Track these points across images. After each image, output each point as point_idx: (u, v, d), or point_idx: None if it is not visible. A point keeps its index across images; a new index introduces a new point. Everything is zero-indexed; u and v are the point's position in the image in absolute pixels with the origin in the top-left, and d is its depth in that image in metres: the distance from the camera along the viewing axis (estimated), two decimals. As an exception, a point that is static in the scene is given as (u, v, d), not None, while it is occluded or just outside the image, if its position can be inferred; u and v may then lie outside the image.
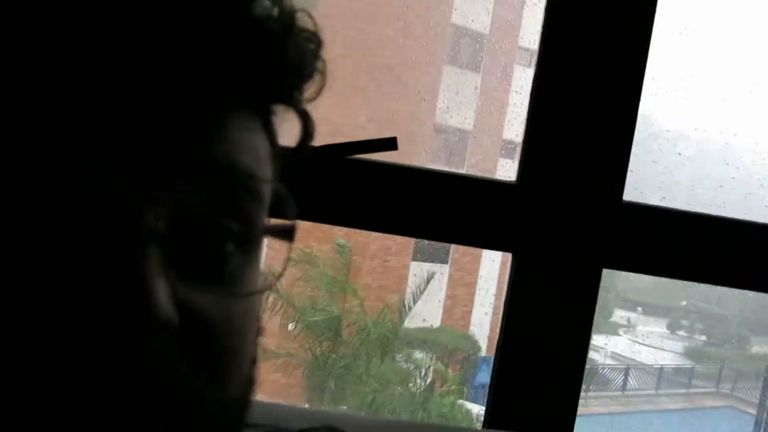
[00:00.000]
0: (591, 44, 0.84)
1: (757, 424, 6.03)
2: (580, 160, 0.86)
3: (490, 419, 0.87)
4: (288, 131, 0.34)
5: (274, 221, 0.32)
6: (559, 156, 0.86)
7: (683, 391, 10.22)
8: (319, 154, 0.85)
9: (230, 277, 0.28)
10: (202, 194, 0.27)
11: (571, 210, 0.86)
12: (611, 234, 0.87)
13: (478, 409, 7.58)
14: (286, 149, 0.34)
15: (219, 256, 0.28)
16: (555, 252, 0.87)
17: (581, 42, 0.84)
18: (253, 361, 0.32)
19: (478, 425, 7.47)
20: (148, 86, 0.26)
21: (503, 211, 0.87)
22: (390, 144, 0.83)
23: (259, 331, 0.32)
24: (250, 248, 0.29)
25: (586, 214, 0.86)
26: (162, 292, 0.25)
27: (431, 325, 7.97)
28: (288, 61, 0.30)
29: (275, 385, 7.20)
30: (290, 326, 6.83)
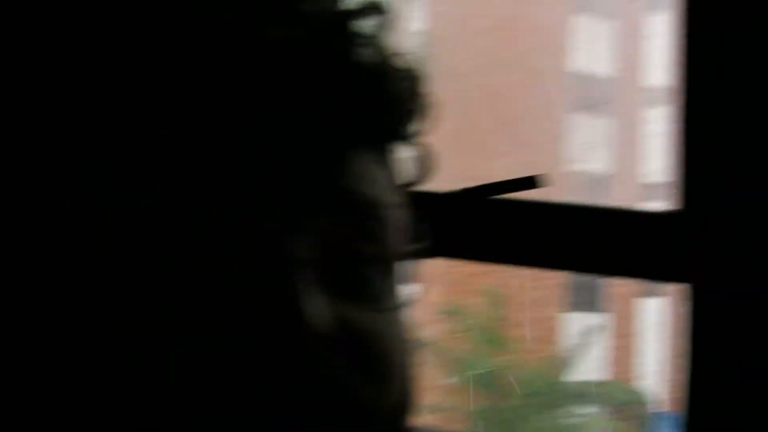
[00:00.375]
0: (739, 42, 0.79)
1: None
2: (750, 170, 0.80)
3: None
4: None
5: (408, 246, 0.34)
6: (727, 168, 0.80)
7: None
8: (464, 196, 0.87)
9: (372, 294, 0.31)
10: (339, 221, 0.30)
11: (748, 227, 0.80)
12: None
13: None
14: (409, 181, 0.37)
15: (360, 277, 0.31)
16: (737, 276, 0.80)
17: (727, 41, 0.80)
18: (409, 370, 0.33)
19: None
20: (299, 127, 0.29)
21: (675, 240, 0.82)
22: (530, 183, 0.82)
23: (410, 344, 0.34)
24: (386, 268, 0.32)
25: (763, 229, 0.79)
26: (318, 306, 0.27)
27: (593, 379, 7.57)
28: (384, 99, 0.33)
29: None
30: (451, 379, 6.79)
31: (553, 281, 8.20)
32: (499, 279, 8.03)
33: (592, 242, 0.85)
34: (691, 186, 0.83)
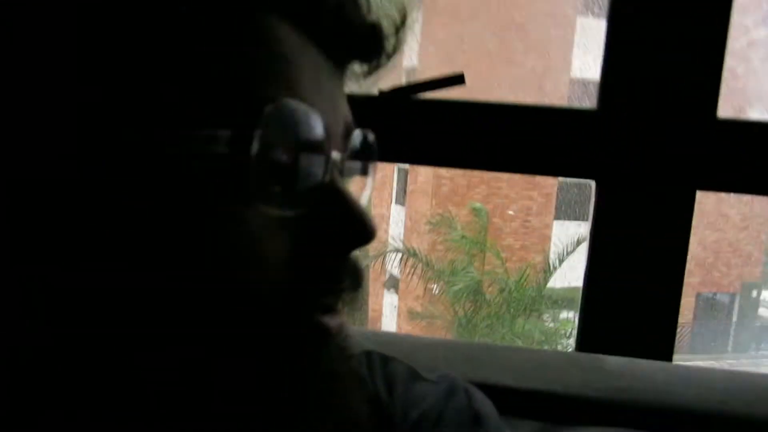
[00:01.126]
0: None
1: None
2: (667, 75, 0.81)
3: (581, 343, 0.86)
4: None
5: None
6: (643, 77, 0.82)
7: None
8: (390, 95, 0.88)
9: None
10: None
11: (658, 130, 0.82)
12: (705, 153, 0.81)
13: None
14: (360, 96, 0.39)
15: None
16: (642, 176, 0.83)
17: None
18: None
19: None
20: None
21: (585, 139, 0.84)
22: (458, 80, 0.83)
23: None
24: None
25: (676, 133, 0.81)
26: None
27: (577, 285, 7.76)
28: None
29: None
30: (434, 289, 6.95)
31: (541, 191, 8.26)
32: (489, 189, 8.09)
33: (515, 140, 0.87)
34: (607, 88, 0.84)
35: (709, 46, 0.80)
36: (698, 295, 9.24)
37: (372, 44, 0.36)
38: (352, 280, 0.33)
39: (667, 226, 0.83)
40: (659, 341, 0.84)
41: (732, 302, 9.37)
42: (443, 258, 6.91)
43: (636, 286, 0.84)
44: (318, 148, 0.30)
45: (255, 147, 0.28)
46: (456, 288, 6.40)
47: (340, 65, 0.35)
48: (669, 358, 0.84)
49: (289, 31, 0.31)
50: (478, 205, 6.94)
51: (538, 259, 7.29)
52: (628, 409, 0.55)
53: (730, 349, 9.20)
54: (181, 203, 0.28)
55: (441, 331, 6.72)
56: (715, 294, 9.35)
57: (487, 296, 6.37)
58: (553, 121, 0.86)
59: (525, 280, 6.23)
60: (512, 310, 6.21)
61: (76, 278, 0.27)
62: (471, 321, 6.27)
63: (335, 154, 0.32)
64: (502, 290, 6.25)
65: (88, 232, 0.27)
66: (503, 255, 7.04)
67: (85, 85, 0.27)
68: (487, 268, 6.78)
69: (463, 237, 6.66)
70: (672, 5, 0.80)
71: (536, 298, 6.21)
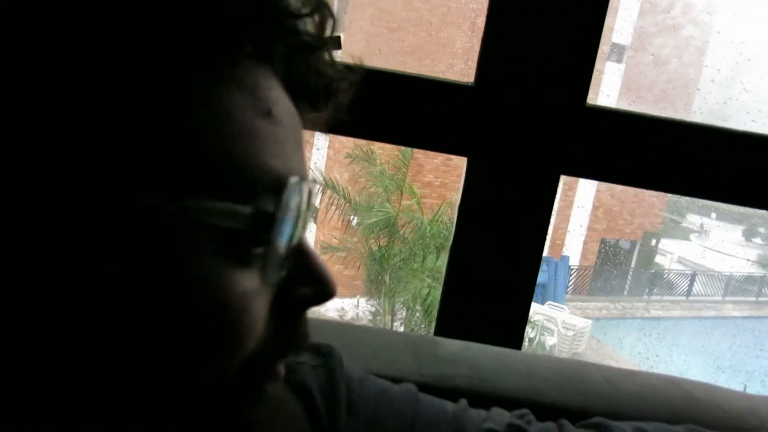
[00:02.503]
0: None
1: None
2: (542, 61, 0.82)
3: (440, 324, 0.89)
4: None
5: None
6: (520, 57, 0.82)
7: (752, 299, 10.02)
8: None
9: None
10: None
11: (530, 113, 0.83)
12: (572, 139, 0.83)
13: (533, 307, 7.71)
14: None
15: None
16: (511, 157, 0.84)
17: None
18: None
19: (531, 322, 7.51)
20: None
21: (460, 114, 0.85)
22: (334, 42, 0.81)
23: None
24: None
25: (547, 117, 0.83)
26: None
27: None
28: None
29: (338, 277, 7.52)
30: (353, 221, 7.00)
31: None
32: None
33: (390, 109, 0.86)
34: (485, 65, 0.84)
35: (584, 36, 0.81)
36: (602, 241, 9.72)
37: (331, 97, 0.37)
38: (302, 340, 0.33)
39: (530, 208, 0.85)
40: (510, 325, 0.87)
41: (632, 249, 9.91)
42: (363, 193, 6.93)
43: (496, 268, 0.87)
44: (301, 213, 0.31)
45: (281, 230, 0.30)
46: (370, 221, 6.46)
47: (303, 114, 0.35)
48: (519, 344, 0.88)
49: (274, 84, 0.32)
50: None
51: (458, 197, 7.41)
52: (452, 392, 0.57)
53: (626, 293, 9.79)
54: (181, 269, 0.28)
55: (355, 263, 6.81)
56: (618, 240, 9.85)
57: (401, 232, 6.47)
58: (429, 93, 0.85)
59: (438, 218, 6.35)
60: (425, 246, 6.35)
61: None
62: (384, 255, 6.37)
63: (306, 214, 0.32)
64: (416, 228, 6.36)
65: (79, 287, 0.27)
66: (422, 191, 7.12)
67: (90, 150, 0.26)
68: (405, 203, 6.86)
69: (381, 172, 6.68)
70: (553, -12, 0.80)
71: (449, 236, 6.35)
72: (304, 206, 0.31)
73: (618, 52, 8.95)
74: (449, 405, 0.52)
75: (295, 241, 0.31)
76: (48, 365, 0.27)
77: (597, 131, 0.83)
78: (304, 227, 0.32)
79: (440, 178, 8.57)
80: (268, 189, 0.29)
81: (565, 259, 8.98)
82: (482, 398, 0.59)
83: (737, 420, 0.60)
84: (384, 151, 7.33)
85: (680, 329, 8.50)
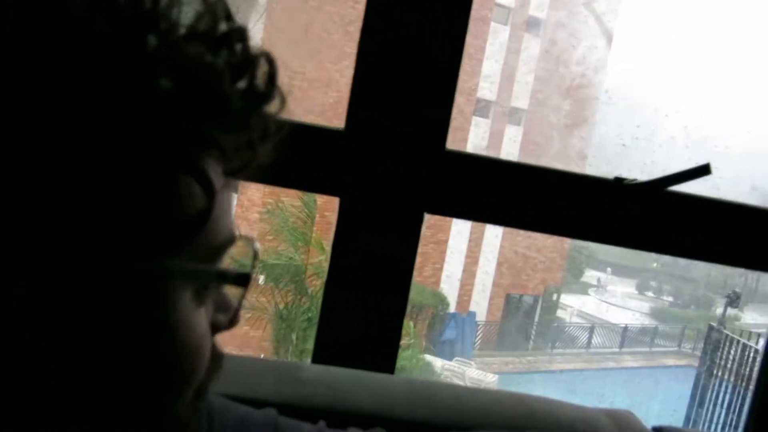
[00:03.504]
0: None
1: (697, 377, 6.23)
2: (405, 109, 0.89)
3: (316, 355, 0.92)
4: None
5: None
6: (386, 103, 0.89)
7: (646, 349, 10.54)
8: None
9: None
10: None
11: (395, 156, 0.89)
12: (434, 180, 0.90)
13: (441, 363, 7.79)
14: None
15: None
16: (379, 197, 0.90)
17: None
18: None
19: (440, 378, 7.55)
20: None
21: (332, 157, 0.90)
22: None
23: None
24: None
25: (410, 160, 0.90)
26: None
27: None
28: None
29: (245, 339, 7.33)
30: (260, 279, 6.90)
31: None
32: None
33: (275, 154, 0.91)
34: (355, 110, 0.90)
35: (442, 85, 0.89)
36: (507, 296, 10.01)
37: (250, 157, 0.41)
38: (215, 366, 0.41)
39: (396, 244, 0.91)
40: (383, 352, 0.92)
41: (535, 304, 10.26)
42: (272, 250, 6.88)
43: (368, 300, 0.91)
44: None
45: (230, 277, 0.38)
46: (272, 262, 6.39)
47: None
48: (391, 369, 0.92)
49: (215, 164, 0.38)
50: (304, 197, 6.97)
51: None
52: (309, 411, 0.60)
53: (530, 347, 10.07)
54: (161, 313, 0.35)
55: (261, 323, 6.69)
56: (521, 296, 10.18)
57: (310, 289, 6.44)
58: (305, 137, 0.91)
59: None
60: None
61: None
62: (291, 313, 6.30)
63: None
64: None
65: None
66: (329, 249, 7.14)
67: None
68: (314, 260, 6.85)
69: (288, 228, 6.68)
70: (414, 46, 0.88)
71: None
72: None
73: (517, 114, 9.48)
74: (307, 427, 0.54)
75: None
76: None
77: (455, 173, 0.91)
78: None
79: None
80: (226, 247, 0.38)
81: (472, 314, 9.17)
82: (338, 417, 0.62)
83: (568, 427, 0.66)
84: (292, 205, 7.35)
85: (580, 381, 8.79)
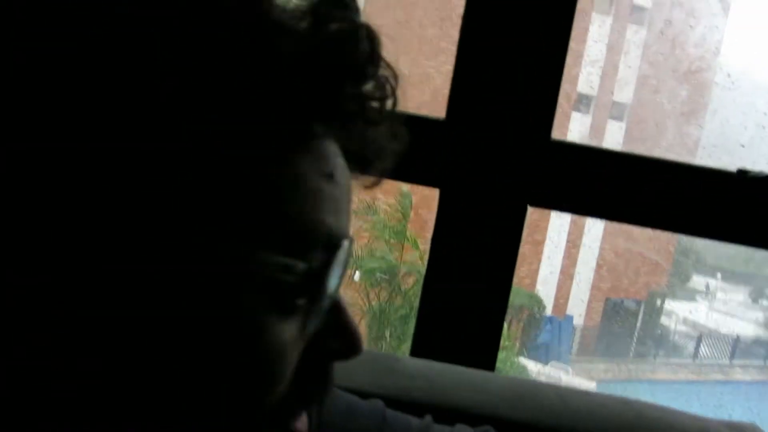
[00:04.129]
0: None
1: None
2: (509, 98, 0.86)
3: (414, 350, 0.90)
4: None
5: None
6: (488, 93, 0.86)
7: (760, 362, 9.84)
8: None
9: None
10: None
11: (498, 147, 0.87)
12: (538, 171, 0.87)
13: (536, 367, 7.61)
14: None
15: None
16: (481, 189, 0.87)
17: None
18: None
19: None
20: None
21: (433, 147, 0.88)
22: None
23: None
24: None
25: (514, 151, 0.87)
26: None
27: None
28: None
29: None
30: (354, 276, 7.00)
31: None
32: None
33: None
34: (456, 100, 0.88)
35: (547, 73, 0.85)
36: (607, 300, 9.65)
37: (379, 162, 0.40)
38: (327, 386, 0.36)
39: (498, 238, 0.88)
40: (483, 348, 0.89)
41: (638, 309, 9.83)
42: (365, 246, 6.95)
43: (468, 295, 0.89)
44: (344, 270, 0.34)
45: (330, 280, 0.33)
46: (369, 266, 6.45)
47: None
48: (492, 367, 0.89)
49: (336, 151, 0.35)
50: (405, 189, 6.99)
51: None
52: (409, 405, 0.59)
53: (631, 354, 9.66)
54: (232, 315, 0.31)
55: (356, 320, 6.78)
56: (623, 300, 9.78)
57: (404, 287, 6.46)
58: (405, 127, 0.89)
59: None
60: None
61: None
62: (384, 311, 6.35)
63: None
64: (417, 281, 6.35)
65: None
66: (426, 247, 7.13)
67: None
68: (408, 258, 6.87)
69: (383, 224, 6.73)
70: (518, 34, 0.85)
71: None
72: (347, 263, 0.34)
73: (620, 108, 9.11)
74: (414, 421, 0.53)
75: (335, 295, 0.34)
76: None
77: (561, 164, 0.87)
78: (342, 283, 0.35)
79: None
80: (322, 246, 0.32)
81: (569, 318, 8.90)
82: (439, 412, 0.61)
83: (686, 438, 0.61)
84: (388, 205, 7.40)
85: (689, 393, 8.34)
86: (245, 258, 0.30)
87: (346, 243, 0.33)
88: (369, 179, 0.39)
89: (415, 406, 0.58)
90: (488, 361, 0.90)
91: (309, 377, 0.34)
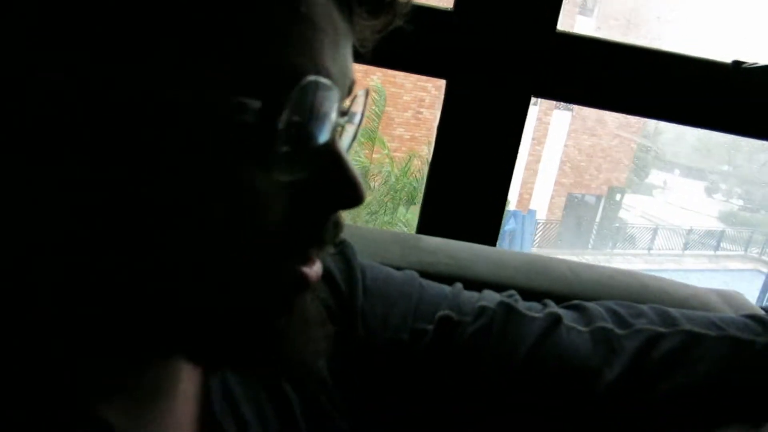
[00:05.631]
0: None
1: (766, 281, 6.13)
2: (517, -13, 0.87)
3: (421, 226, 0.95)
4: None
5: None
6: (497, -18, 0.87)
7: (710, 252, 10.38)
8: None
9: None
10: None
11: (505, 38, 0.88)
12: (543, 62, 0.89)
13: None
14: None
15: None
16: (487, 79, 0.90)
17: None
18: None
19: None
20: None
21: (439, 37, 0.90)
22: None
23: None
24: None
25: (520, 42, 0.88)
26: None
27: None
28: None
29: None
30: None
31: (435, 83, 8.35)
32: (384, 76, 8.08)
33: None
34: (463, -12, 0.89)
35: (557, -39, 0.86)
36: (569, 196, 9.91)
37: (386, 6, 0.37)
38: (335, 232, 0.35)
39: (502, 128, 0.92)
40: (486, 228, 0.95)
41: (597, 204, 10.14)
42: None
43: (472, 178, 0.94)
44: (328, 116, 0.32)
45: (283, 119, 0.29)
46: None
47: (351, 19, 0.35)
48: (493, 243, 0.96)
49: None
50: (378, 84, 6.89)
51: (426, 150, 7.47)
52: (434, 278, 0.64)
53: (590, 246, 10.05)
54: (194, 161, 0.28)
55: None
56: (583, 195, 10.06)
57: (372, 184, 6.51)
58: (412, 17, 0.90)
59: (408, 169, 6.40)
60: (395, 198, 6.41)
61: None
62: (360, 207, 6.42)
63: (339, 119, 0.33)
64: (386, 179, 6.41)
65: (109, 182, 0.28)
66: (392, 145, 7.15)
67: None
68: (375, 156, 6.89)
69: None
70: None
71: (419, 188, 6.42)
72: (330, 109, 0.31)
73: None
74: (447, 288, 0.58)
75: (316, 143, 0.32)
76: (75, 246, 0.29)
77: (566, 55, 0.89)
78: (333, 131, 0.32)
79: (410, 132, 8.60)
80: (285, 85, 0.29)
81: (532, 212, 9.15)
82: (464, 283, 0.66)
83: (682, 303, 0.68)
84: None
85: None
86: (199, 99, 0.28)
87: (314, 82, 0.30)
88: (374, 24, 0.38)
89: (441, 279, 0.64)
90: (491, 238, 0.96)
91: (309, 227, 0.33)
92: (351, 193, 0.33)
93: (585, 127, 9.35)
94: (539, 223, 9.42)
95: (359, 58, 0.37)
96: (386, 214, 6.44)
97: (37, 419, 0.32)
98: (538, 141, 9.35)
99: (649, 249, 9.98)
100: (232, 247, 0.30)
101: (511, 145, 0.93)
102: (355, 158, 6.60)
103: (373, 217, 6.52)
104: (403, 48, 0.91)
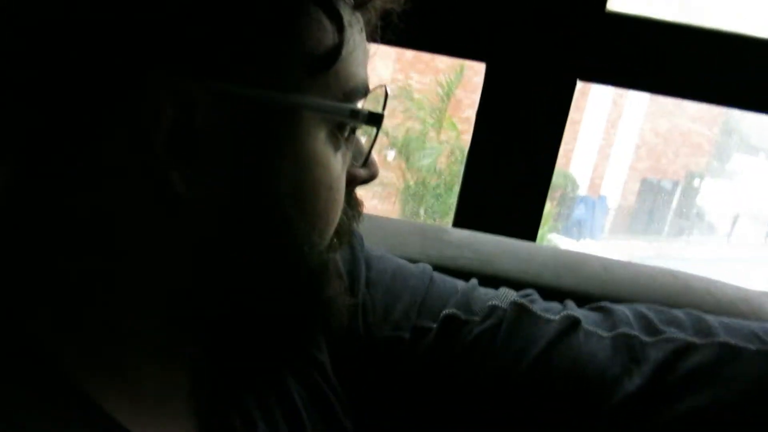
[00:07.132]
0: None
1: None
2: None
3: (457, 220, 0.92)
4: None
5: None
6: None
7: (796, 243, 9.78)
8: None
9: None
10: None
11: (549, 18, 0.84)
12: (590, 44, 0.84)
13: (567, 243, 7.69)
14: None
15: None
16: (529, 62, 0.85)
17: None
18: None
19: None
20: None
21: (479, 19, 0.86)
22: None
23: None
24: None
25: (566, 22, 0.84)
26: None
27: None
28: None
29: (373, 212, 7.59)
30: (389, 156, 7.01)
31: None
32: (451, 59, 7.96)
33: (418, 16, 0.88)
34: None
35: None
36: (643, 180, 9.54)
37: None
38: (355, 214, 0.44)
39: (546, 113, 0.87)
40: (525, 221, 0.90)
41: (674, 189, 9.73)
42: (401, 126, 6.90)
43: (511, 169, 0.89)
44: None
45: (362, 116, 0.39)
46: (424, 163, 6.48)
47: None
48: (533, 238, 0.91)
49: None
50: (449, 69, 6.80)
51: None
52: (456, 273, 0.61)
53: (665, 233, 9.66)
54: (318, 155, 0.37)
55: (390, 199, 6.86)
56: (659, 180, 9.66)
57: (439, 167, 6.46)
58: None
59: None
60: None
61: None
62: (420, 189, 6.39)
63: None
64: (453, 162, 6.34)
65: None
66: (461, 127, 7.06)
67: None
68: (443, 138, 6.83)
69: (420, 108, 6.64)
70: None
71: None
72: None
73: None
74: (460, 283, 0.56)
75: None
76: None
77: (615, 36, 0.84)
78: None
79: (480, 114, 8.45)
80: (358, 94, 0.39)
81: (603, 198, 8.87)
82: (485, 279, 0.63)
83: (729, 307, 0.63)
84: (422, 86, 7.24)
85: (717, 269, 8.41)
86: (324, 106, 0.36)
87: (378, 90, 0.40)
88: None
89: (461, 274, 0.61)
90: (530, 235, 0.91)
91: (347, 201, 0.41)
92: (374, 169, 0.43)
93: (663, 110, 8.95)
94: (610, 208, 9.12)
95: (395, 41, 0.45)
96: (451, 197, 6.40)
97: (49, 418, 0.32)
98: (612, 124, 9.02)
99: (729, 237, 9.51)
100: (324, 224, 0.38)
101: (554, 134, 0.88)
102: (431, 148, 6.56)
103: (439, 198, 6.47)
104: (440, 30, 0.87)
